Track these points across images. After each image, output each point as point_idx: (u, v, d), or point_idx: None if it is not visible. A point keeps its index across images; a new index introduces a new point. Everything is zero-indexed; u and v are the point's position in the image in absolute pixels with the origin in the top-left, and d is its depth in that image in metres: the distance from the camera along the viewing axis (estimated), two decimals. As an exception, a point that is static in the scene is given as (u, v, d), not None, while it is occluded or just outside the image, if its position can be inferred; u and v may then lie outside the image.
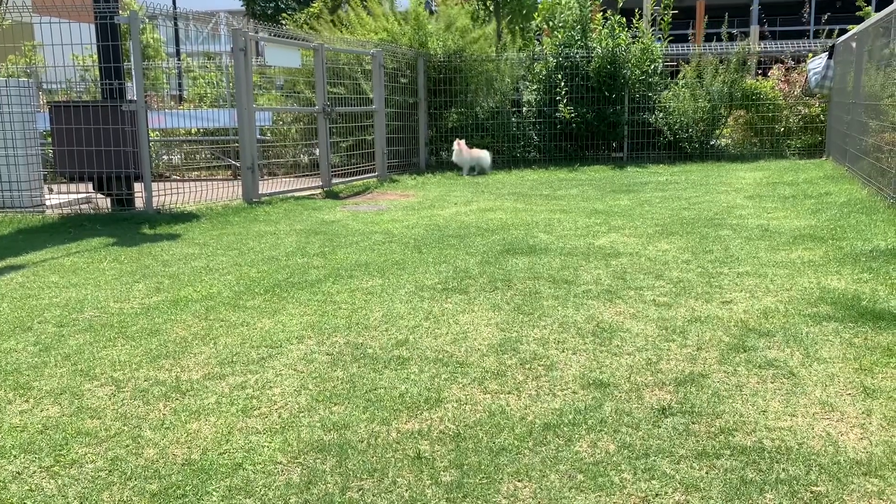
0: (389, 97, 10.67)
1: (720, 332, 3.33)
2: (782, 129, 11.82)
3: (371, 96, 10.25)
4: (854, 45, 8.88)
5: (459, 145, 10.78)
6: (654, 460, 2.21)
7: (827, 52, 10.77)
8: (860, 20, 9.07)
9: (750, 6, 25.98)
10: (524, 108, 12.03)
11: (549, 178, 10.00)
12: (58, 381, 2.94)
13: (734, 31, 12.01)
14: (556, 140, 11.85)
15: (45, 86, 11.97)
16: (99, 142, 6.96)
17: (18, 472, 2.24)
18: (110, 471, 2.24)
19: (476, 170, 10.88)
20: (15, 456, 2.34)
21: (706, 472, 2.14)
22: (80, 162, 7.05)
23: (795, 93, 11.74)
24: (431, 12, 12.38)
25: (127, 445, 2.39)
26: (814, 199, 7.00)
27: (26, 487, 2.16)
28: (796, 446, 2.28)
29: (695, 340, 3.23)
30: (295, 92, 11.14)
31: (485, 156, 10.88)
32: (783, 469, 2.15)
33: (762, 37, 13.44)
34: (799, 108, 11.72)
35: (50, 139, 7.71)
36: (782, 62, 12.35)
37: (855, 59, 8.73)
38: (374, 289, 4.21)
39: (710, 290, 3.99)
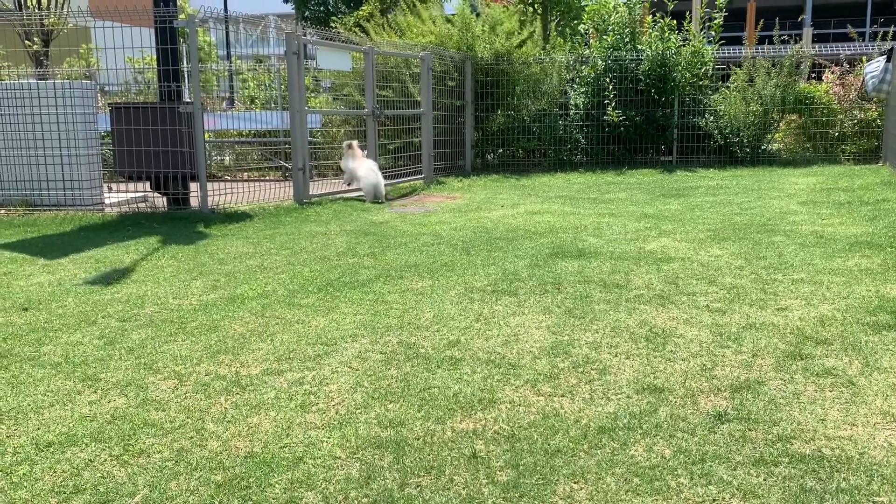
0: (436, 100, 10.72)
1: (776, 339, 3.29)
2: (836, 134, 11.55)
3: (418, 99, 10.33)
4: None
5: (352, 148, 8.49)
6: (711, 466, 2.21)
7: (885, 55, 10.50)
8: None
9: (802, 8, 25.47)
10: (571, 111, 11.98)
11: (596, 182, 9.94)
12: (123, 374, 3.05)
13: (782, 33, 11.78)
14: (603, 143, 11.77)
15: (104, 88, 12.33)
16: (157, 142, 7.16)
17: (90, 460, 2.34)
18: (176, 461, 2.32)
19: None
20: (86, 444, 2.44)
21: (764, 479, 2.13)
22: (138, 161, 7.26)
23: (851, 96, 11.46)
24: (477, 15, 12.38)
25: (191, 437, 2.47)
26: (870, 205, 6.84)
27: (98, 475, 2.25)
28: (857, 456, 2.25)
29: (750, 347, 3.20)
30: (343, 95, 11.27)
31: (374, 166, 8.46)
32: (844, 478, 2.12)
33: (814, 39, 13.15)
34: (854, 112, 11.44)
35: (109, 139, 7.94)
36: (838, 65, 12.07)
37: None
38: (425, 290, 4.26)
39: (764, 297, 3.94)
